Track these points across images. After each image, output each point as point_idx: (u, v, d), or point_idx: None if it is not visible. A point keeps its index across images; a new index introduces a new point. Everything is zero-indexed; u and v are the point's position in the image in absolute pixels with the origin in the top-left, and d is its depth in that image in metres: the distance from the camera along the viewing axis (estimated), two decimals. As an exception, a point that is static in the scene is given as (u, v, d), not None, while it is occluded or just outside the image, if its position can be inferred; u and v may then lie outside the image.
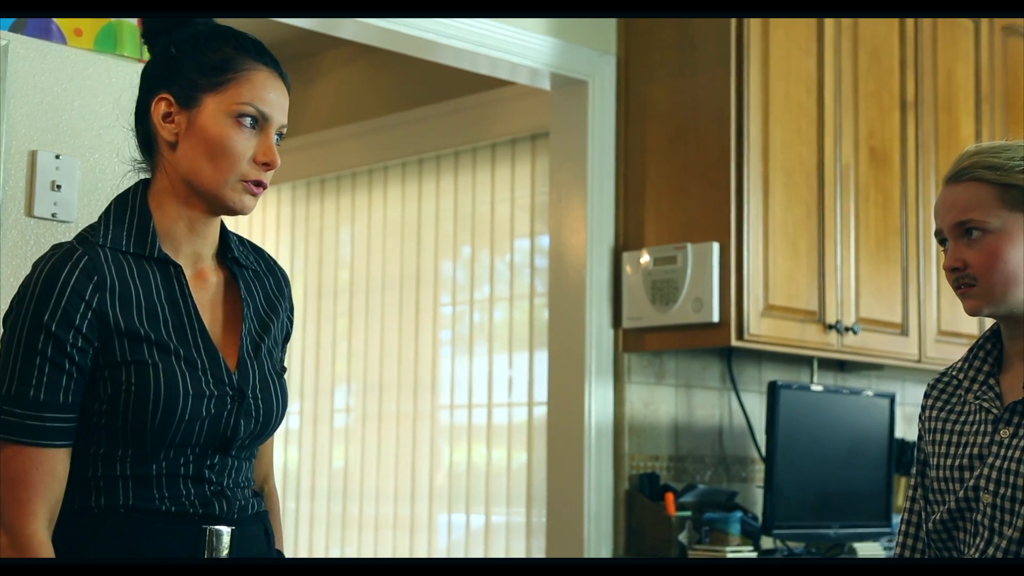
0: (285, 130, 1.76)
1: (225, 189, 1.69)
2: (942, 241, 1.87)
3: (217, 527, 1.66)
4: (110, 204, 1.74)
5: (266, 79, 1.72)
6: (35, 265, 1.66)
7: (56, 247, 1.68)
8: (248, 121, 1.69)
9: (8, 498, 1.57)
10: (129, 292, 1.64)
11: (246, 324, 1.75)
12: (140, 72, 1.78)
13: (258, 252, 1.87)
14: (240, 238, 1.86)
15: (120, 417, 1.62)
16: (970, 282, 1.82)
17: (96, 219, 1.74)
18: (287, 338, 1.87)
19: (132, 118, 1.78)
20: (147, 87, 1.76)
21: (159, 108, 1.71)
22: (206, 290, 1.75)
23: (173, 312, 1.67)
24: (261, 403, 1.72)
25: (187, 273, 1.72)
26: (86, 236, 1.69)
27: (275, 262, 1.89)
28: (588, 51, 3.52)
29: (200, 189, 1.70)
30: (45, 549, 1.57)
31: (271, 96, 1.72)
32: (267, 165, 1.70)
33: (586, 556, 3.35)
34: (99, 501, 1.63)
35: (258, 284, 1.82)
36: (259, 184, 1.71)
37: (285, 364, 1.89)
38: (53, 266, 1.63)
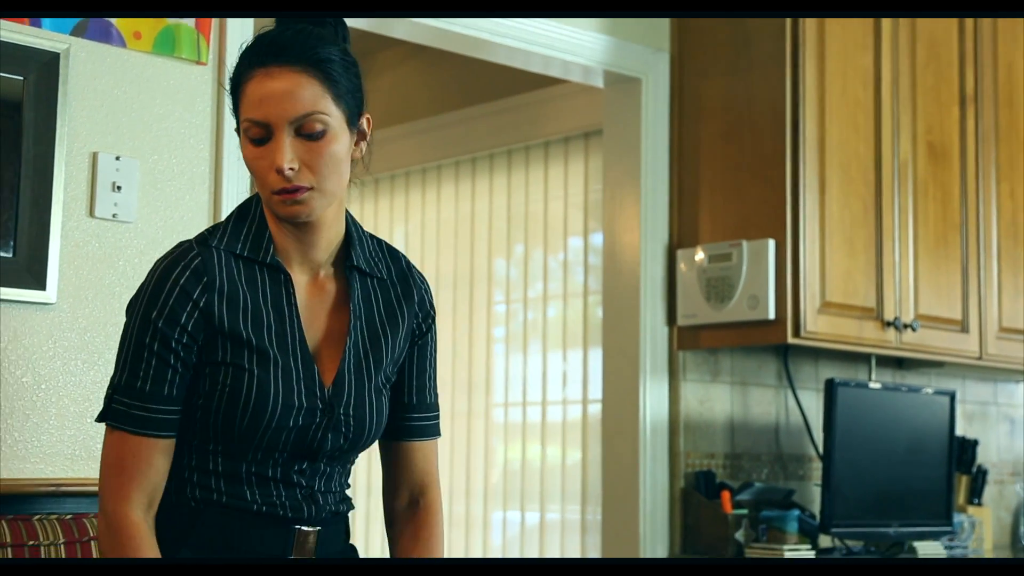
0: (311, 118, 1.61)
1: (271, 205, 1.66)
2: None
3: (305, 528, 1.71)
4: (236, 207, 1.76)
5: (259, 82, 1.61)
6: (155, 263, 1.69)
7: (177, 245, 1.70)
8: (255, 139, 1.63)
9: (107, 483, 1.64)
10: (237, 295, 1.66)
11: (351, 337, 1.73)
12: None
13: (394, 258, 1.83)
14: (379, 242, 1.82)
15: (212, 413, 1.66)
16: None
17: (220, 220, 1.77)
18: (415, 344, 1.85)
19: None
20: None
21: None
22: (321, 300, 1.73)
23: (277, 319, 1.68)
24: (353, 420, 1.72)
25: (303, 281, 1.72)
26: (205, 237, 1.70)
27: (410, 268, 1.84)
28: (642, 48, 3.50)
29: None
30: (137, 530, 1.62)
31: (264, 98, 1.60)
32: (280, 171, 1.61)
33: (641, 554, 3.34)
34: (194, 493, 1.68)
35: (380, 293, 1.78)
36: (284, 192, 1.62)
37: (431, 369, 1.92)
38: (167, 266, 1.66)
